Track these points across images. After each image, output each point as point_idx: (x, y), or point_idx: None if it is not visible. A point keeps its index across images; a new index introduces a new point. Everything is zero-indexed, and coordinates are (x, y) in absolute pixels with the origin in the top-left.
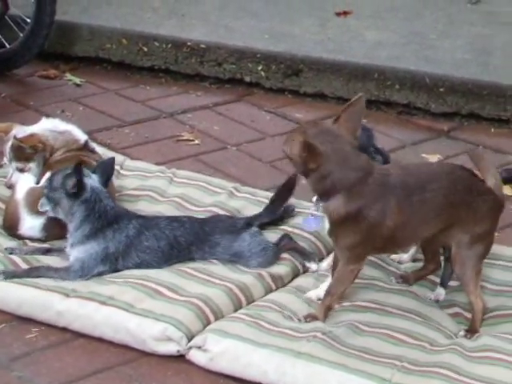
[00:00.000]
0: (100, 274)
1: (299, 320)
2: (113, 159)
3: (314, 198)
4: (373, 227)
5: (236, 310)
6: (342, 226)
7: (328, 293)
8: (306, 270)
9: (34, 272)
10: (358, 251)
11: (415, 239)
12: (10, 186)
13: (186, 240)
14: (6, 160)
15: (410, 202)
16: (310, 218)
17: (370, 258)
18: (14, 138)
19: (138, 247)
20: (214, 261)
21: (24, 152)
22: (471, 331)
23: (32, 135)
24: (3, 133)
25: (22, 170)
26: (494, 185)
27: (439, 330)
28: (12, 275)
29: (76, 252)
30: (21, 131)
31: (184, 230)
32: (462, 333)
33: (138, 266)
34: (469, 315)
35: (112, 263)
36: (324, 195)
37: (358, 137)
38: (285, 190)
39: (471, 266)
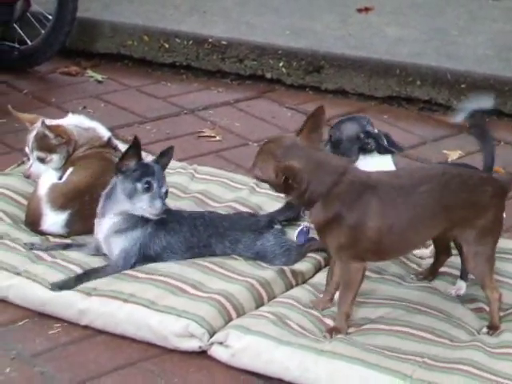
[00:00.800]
0: (134, 265)
1: (324, 337)
2: (172, 148)
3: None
4: (354, 228)
5: (258, 306)
6: (327, 231)
7: (341, 300)
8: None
9: (84, 278)
10: (350, 252)
11: (411, 243)
12: (29, 176)
13: (205, 230)
14: (27, 150)
15: (393, 204)
16: (302, 230)
17: None
18: (42, 122)
19: (166, 228)
20: (236, 256)
21: (48, 142)
22: (493, 327)
23: (59, 125)
24: (29, 123)
25: (42, 161)
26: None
27: (461, 327)
28: (61, 286)
29: (118, 241)
30: (47, 122)
31: (203, 220)
32: (484, 329)
33: (165, 249)
34: None
35: (143, 248)
36: (307, 206)
37: (321, 146)
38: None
39: (483, 260)
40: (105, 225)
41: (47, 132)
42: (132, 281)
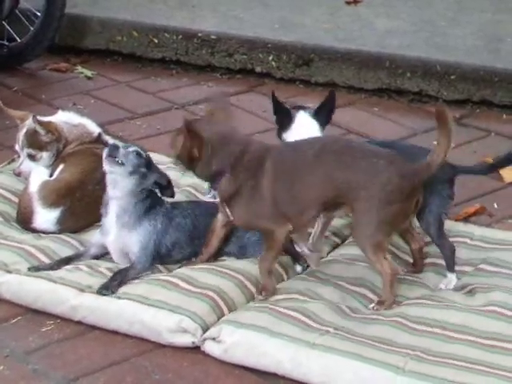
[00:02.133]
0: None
1: (258, 298)
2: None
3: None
4: (254, 190)
5: (248, 302)
6: (236, 202)
7: (263, 259)
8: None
9: (121, 282)
10: (259, 222)
11: (303, 204)
12: (19, 174)
13: (204, 220)
14: (17, 147)
15: (283, 164)
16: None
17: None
18: (34, 117)
19: (173, 223)
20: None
21: (38, 139)
22: (381, 302)
23: (50, 122)
24: (19, 120)
25: (33, 158)
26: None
27: (449, 308)
28: (101, 291)
29: (134, 237)
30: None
31: (201, 209)
32: (372, 305)
33: (174, 245)
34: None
35: (156, 245)
36: (213, 180)
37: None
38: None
39: (366, 234)
40: (111, 220)
41: (38, 128)
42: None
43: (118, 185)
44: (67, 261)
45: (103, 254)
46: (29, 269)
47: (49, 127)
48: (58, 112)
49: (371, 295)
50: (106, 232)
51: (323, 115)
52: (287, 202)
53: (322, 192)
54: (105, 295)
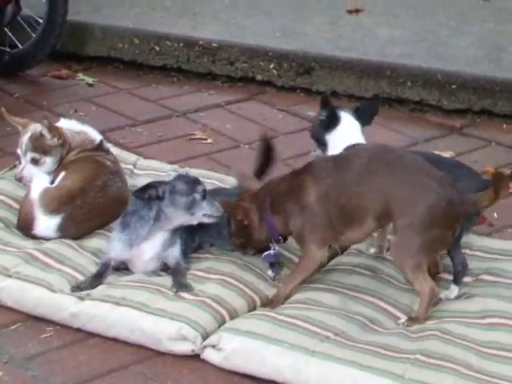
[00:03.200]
0: None
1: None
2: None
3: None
4: (303, 208)
5: (250, 311)
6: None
7: (289, 280)
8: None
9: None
10: (311, 236)
11: (358, 216)
12: (20, 179)
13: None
14: (19, 152)
15: (327, 177)
16: (269, 254)
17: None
18: (44, 119)
19: (190, 229)
20: (225, 261)
21: (43, 143)
22: (413, 319)
23: (57, 127)
24: (21, 126)
25: (36, 162)
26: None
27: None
28: (179, 288)
29: (173, 251)
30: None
31: (221, 197)
32: (402, 320)
33: (197, 250)
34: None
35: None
36: (271, 234)
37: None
38: (264, 158)
39: (405, 253)
40: (154, 245)
41: (45, 131)
42: (124, 287)
43: (172, 221)
44: (99, 277)
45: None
46: (72, 290)
47: (56, 131)
48: (60, 119)
49: (372, 299)
50: (143, 254)
51: (365, 116)
52: (338, 215)
53: (374, 203)
54: (184, 292)
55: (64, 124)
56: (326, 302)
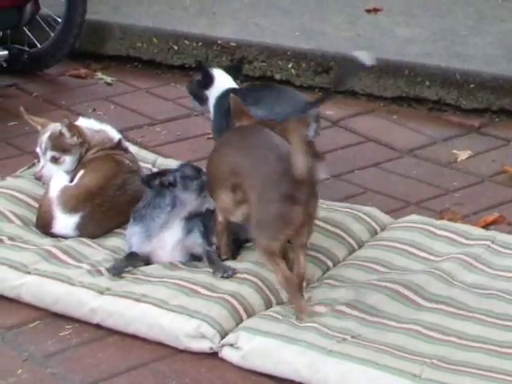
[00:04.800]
0: None
1: None
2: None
3: None
4: None
5: (267, 308)
6: None
7: None
8: None
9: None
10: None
11: (216, 184)
12: (39, 178)
13: None
14: (38, 151)
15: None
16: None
17: None
18: (65, 118)
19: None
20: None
21: (63, 141)
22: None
23: (77, 126)
24: (40, 126)
25: (56, 161)
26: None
27: (468, 318)
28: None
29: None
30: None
31: None
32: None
33: None
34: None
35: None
36: None
37: None
38: None
39: (256, 234)
40: (174, 233)
41: (65, 130)
42: (144, 283)
43: (186, 206)
44: (132, 258)
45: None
46: (108, 271)
47: (75, 130)
48: (79, 118)
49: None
50: (165, 244)
51: (234, 73)
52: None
53: (227, 174)
54: (227, 278)
55: (83, 123)
56: (342, 295)
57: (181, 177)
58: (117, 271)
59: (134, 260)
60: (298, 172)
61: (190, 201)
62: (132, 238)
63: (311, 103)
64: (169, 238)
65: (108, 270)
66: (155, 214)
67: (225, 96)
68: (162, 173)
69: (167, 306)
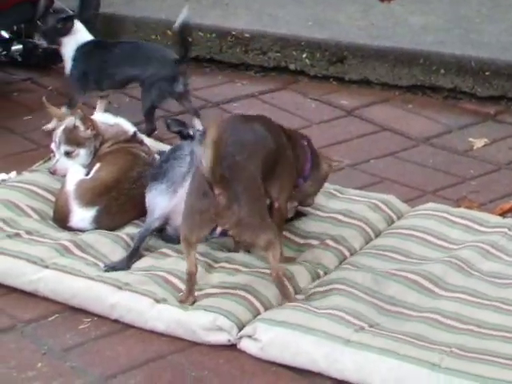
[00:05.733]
0: None
1: None
2: None
3: None
4: None
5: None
6: None
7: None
8: None
9: None
10: None
11: None
12: (54, 172)
13: None
14: (53, 146)
15: None
16: None
17: None
18: (79, 109)
19: None
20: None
21: (76, 135)
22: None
23: (90, 118)
24: (58, 118)
25: (69, 155)
26: None
27: (486, 307)
28: None
29: None
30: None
31: None
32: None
33: None
34: None
35: None
36: None
37: None
38: None
39: None
40: None
41: (78, 122)
42: (163, 283)
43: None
44: (135, 254)
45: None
46: (105, 269)
47: (89, 122)
48: (94, 113)
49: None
50: (180, 189)
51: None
52: None
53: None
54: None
55: (98, 117)
56: (359, 282)
57: (200, 134)
58: (113, 270)
59: (135, 256)
60: (203, 169)
61: None
62: (157, 197)
63: (180, 60)
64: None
65: (105, 267)
66: (177, 164)
67: (85, 47)
68: (184, 124)
69: (185, 308)
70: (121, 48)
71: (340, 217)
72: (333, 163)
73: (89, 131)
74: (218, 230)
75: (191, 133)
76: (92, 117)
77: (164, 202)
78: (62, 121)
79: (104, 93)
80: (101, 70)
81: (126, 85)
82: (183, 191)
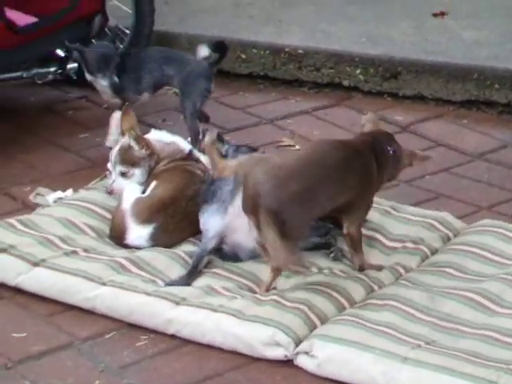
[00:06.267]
0: None
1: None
2: None
3: None
4: None
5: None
6: None
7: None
8: None
9: None
10: None
11: None
12: (111, 192)
13: None
14: (109, 165)
15: None
16: None
17: None
18: (132, 131)
19: None
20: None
21: (131, 155)
22: None
23: (144, 138)
24: (126, 131)
25: (125, 175)
26: None
27: None
28: None
29: None
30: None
31: None
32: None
33: None
34: None
35: None
36: None
37: None
38: None
39: None
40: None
41: (133, 143)
42: (218, 295)
43: None
44: (194, 272)
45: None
46: (165, 285)
47: (143, 142)
48: (151, 131)
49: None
50: (230, 207)
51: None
52: None
53: None
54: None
55: (154, 135)
56: (415, 300)
57: (233, 150)
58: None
59: (195, 275)
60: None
61: None
62: (210, 219)
63: (213, 63)
64: (237, 206)
65: (165, 284)
66: (223, 184)
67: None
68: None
69: (243, 317)
70: (154, 51)
71: (396, 244)
72: (415, 161)
73: (143, 151)
74: None
75: (224, 152)
76: (148, 135)
77: (216, 221)
78: (124, 135)
79: (144, 96)
80: (136, 72)
81: (161, 86)
82: (233, 209)
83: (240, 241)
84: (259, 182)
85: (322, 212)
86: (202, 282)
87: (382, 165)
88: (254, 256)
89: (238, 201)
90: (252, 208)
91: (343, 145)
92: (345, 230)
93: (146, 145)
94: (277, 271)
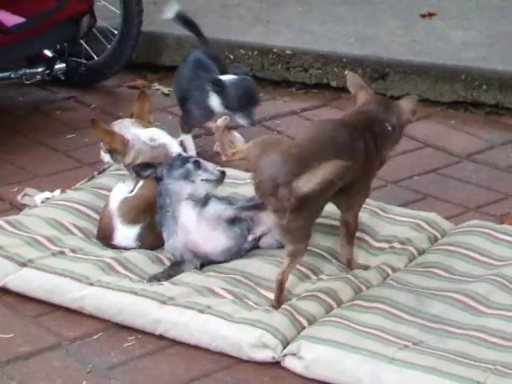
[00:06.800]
0: None
1: None
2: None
3: None
4: None
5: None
6: None
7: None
8: None
9: None
10: None
11: None
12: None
13: None
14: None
15: None
16: None
17: None
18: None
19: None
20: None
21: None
22: None
23: (118, 135)
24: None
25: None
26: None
27: None
28: None
29: None
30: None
31: None
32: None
33: None
34: None
35: None
36: None
37: None
38: None
39: None
40: (188, 215)
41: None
42: (209, 295)
43: (181, 193)
44: (177, 266)
45: None
46: (148, 280)
47: (108, 138)
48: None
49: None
50: (179, 230)
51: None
52: None
53: None
54: None
55: (147, 133)
56: (401, 301)
57: (167, 170)
58: (157, 280)
59: (178, 269)
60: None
61: (179, 187)
62: (167, 243)
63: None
64: (186, 223)
65: (149, 278)
66: (164, 211)
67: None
68: (154, 165)
69: (231, 319)
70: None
71: (384, 245)
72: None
73: (105, 146)
74: (250, 237)
75: (159, 174)
76: (144, 131)
77: (177, 245)
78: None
79: None
80: None
81: None
82: (182, 233)
83: (207, 251)
84: (278, 162)
85: (334, 191)
86: (191, 279)
87: (381, 148)
88: (230, 257)
89: (179, 221)
90: (271, 189)
91: (346, 124)
92: (341, 218)
93: (109, 143)
94: (297, 255)
